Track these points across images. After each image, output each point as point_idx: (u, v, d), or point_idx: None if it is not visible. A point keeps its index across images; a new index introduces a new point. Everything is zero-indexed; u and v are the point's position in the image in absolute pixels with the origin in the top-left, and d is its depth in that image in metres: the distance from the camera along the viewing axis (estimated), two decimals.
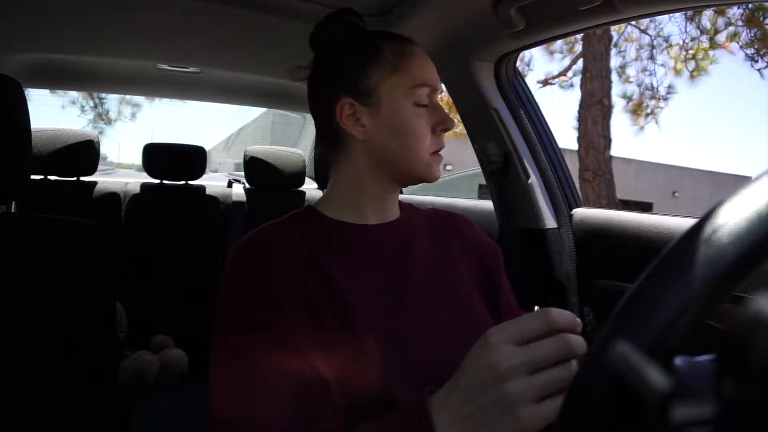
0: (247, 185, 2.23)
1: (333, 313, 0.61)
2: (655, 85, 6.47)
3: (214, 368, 0.59)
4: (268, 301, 0.60)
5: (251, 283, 0.61)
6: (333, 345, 0.60)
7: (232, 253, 0.65)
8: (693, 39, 5.75)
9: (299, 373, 0.57)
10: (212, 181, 2.29)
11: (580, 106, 6.01)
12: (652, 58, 6.42)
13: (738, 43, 5.24)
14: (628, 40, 6.60)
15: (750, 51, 5.18)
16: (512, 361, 0.42)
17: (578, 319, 0.45)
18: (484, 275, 0.76)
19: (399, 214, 0.75)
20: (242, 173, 2.26)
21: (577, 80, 6.24)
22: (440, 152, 0.70)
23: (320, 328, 0.60)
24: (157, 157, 2.08)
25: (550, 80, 6.80)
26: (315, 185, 2.46)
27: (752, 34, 5.10)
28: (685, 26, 5.74)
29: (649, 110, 6.63)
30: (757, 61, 5.20)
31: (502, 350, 0.43)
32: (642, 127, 6.68)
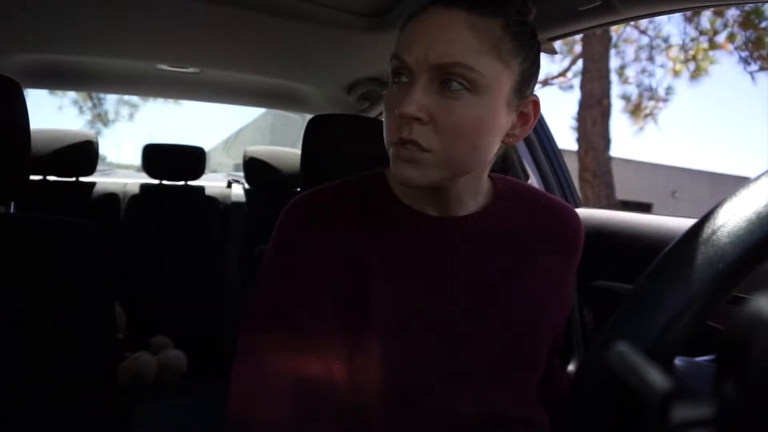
0: (247, 185, 2.23)
1: (358, 305, 0.59)
2: (654, 86, 6.49)
3: (235, 364, 0.60)
4: (301, 291, 0.59)
5: (289, 266, 0.60)
6: (351, 338, 0.59)
7: (283, 217, 0.62)
8: (693, 40, 5.77)
9: (310, 375, 0.57)
10: (211, 182, 2.29)
11: (580, 106, 6.01)
12: (651, 59, 6.43)
13: (733, 44, 5.26)
14: (627, 41, 6.62)
15: (744, 53, 5.20)
16: None
17: None
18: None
19: (481, 204, 0.64)
20: (241, 174, 2.26)
21: (576, 81, 6.25)
22: (406, 146, 0.54)
23: (344, 317, 0.59)
24: (156, 157, 2.08)
25: (549, 81, 6.81)
26: None
27: (746, 37, 5.12)
28: (684, 27, 5.76)
29: (648, 111, 6.64)
30: (750, 64, 5.21)
31: None
32: (641, 128, 6.70)
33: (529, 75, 0.58)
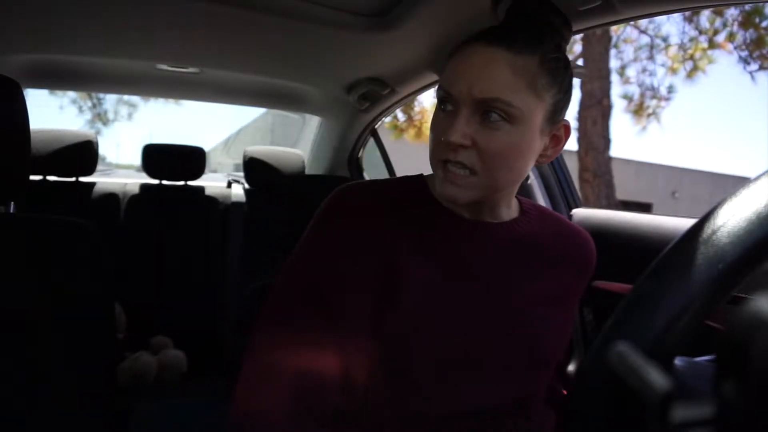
0: (247, 185, 2.23)
1: (382, 302, 0.62)
2: (655, 86, 6.49)
3: (245, 361, 0.63)
4: (323, 292, 0.62)
5: (315, 267, 0.64)
6: (366, 336, 0.60)
7: (315, 219, 0.67)
8: (692, 39, 5.76)
9: (317, 374, 0.59)
10: (211, 182, 2.29)
11: (580, 106, 6.01)
12: (651, 58, 6.43)
13: (733, 44, 5.26)
14: (626, 41, 6.61)
15: (744, 53, 5.20)
16: None
17: None
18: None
19: (511, 216, 0.70)
20: (241, 174, 2.26)
21: (576, 81, 6.24)
22: (450, 166, 0.60)
23: (364, 316, 0.61)
24: (156, 157, 2.08)
25: None
26: None
27: (746, 36, 5.12)
28: (684, 27, 5.76)
29: (650, 110, 6.63)
30: (749, 63, 5.22)
31: None
32: (644, 127, 6.70)
33: (561, 104, 0.64)
